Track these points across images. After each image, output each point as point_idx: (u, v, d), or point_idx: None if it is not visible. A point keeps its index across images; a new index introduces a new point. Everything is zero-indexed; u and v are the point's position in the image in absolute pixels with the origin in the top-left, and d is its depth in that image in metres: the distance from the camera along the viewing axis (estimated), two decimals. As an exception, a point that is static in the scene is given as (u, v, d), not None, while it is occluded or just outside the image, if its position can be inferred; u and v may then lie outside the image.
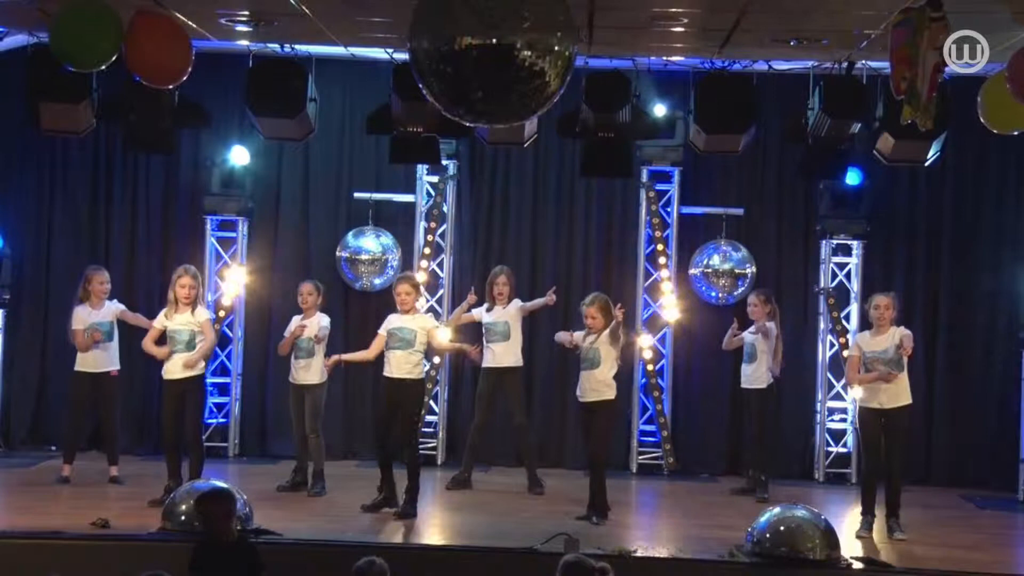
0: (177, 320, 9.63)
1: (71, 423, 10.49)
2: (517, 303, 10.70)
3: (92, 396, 10.39)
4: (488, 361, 10.58)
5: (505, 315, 10.60)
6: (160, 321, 9.74)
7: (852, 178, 11.38)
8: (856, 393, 9.85)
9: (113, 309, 10.39)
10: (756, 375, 10.57)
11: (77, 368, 10.32)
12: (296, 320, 10.29)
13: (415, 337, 9.47)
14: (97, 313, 10.29)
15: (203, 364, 9.78)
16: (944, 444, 11.74)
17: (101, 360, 10.29)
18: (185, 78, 8.98)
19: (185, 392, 9.59)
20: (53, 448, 11.39)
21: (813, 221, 11.90)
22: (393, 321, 9.57)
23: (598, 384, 9.32)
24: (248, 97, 10.40)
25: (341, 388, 11.71)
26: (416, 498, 9.32)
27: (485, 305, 10.71)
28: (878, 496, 9.30)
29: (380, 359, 9.66)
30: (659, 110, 11.23)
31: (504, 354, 10.56)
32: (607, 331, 9.27)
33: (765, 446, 10.77)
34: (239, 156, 11.75)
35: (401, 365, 9.42)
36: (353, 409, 11.91)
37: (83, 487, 10.07)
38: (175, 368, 9.57)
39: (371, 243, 11.73)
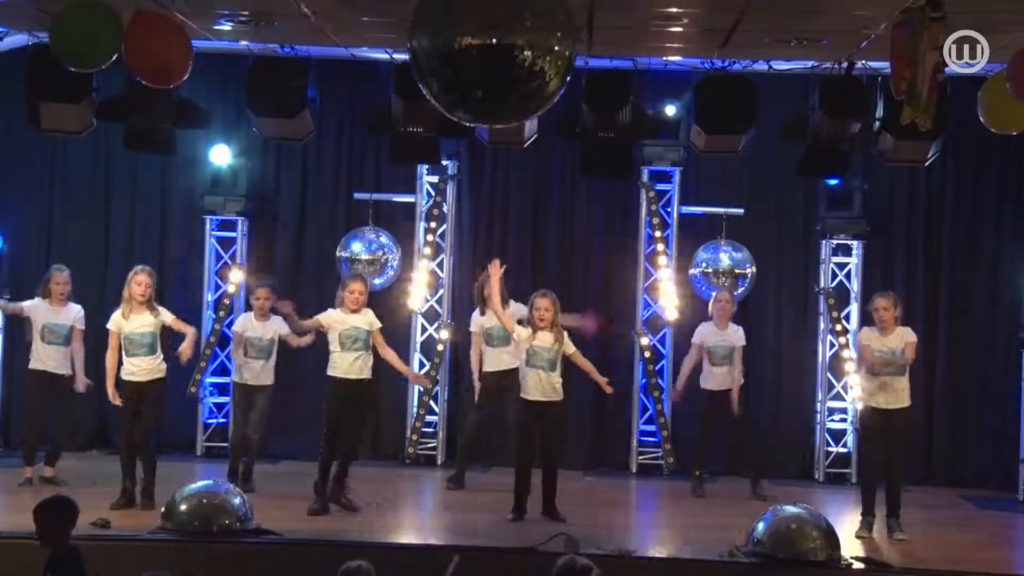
0: (135, 322, 9.37)
1: (31, 423, 10.35)
2: (514, 307, 10.63)
3: (50, 397, 10.23)
4: (490, 365, 10.57)
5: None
6: (115, 323, 9.42)
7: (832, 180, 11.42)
8: (855, 393, 9.85)
9: (75, 315, 10.21)
10: (733, 376, 10.60)
11: (33, 366, 10.18)
12: (245, 320, 10.32)
13: (369, 337, 9.40)
14: (55, 313, 10.15)
15: (165, 366, 9.57)
16: (944, 444, 11.74)
17: (59, 361, 10.16)
18: (185, 78, 9.00)
19: (146, 394, 9.40)
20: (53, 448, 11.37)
21: (813, 221, 11.90)
22: (346, 320, 9.36)
23: (555, 384, 9.30)
24: (248, 97, 10.41)
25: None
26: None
27: (478, 310, 10.68)
28: (878, 496, 9.31)
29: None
30: (664, 111, 11.25)
31: (506, 358, 10.47)
32: (560, 334, 9.25)
33: (753, 444, 10.89)
34: (220, 155, 11.76)
35: (362, 367, 9.33)
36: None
37: (83, 487, 10.04)
38: (137, 370, 9.35)
39: (359, 246, 11.69)
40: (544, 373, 9.28)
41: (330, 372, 9.39)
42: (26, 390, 10.58)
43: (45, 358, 10.17)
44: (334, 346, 9.38)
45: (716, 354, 10.65)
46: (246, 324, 10.30)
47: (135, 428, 9.49)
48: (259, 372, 10.18)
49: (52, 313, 10.15)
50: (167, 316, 9.57)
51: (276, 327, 10.21)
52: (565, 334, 9.38)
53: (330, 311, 9.49)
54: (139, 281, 9.40)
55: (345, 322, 9.38)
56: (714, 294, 10.99)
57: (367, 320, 9.43)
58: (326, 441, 9.39)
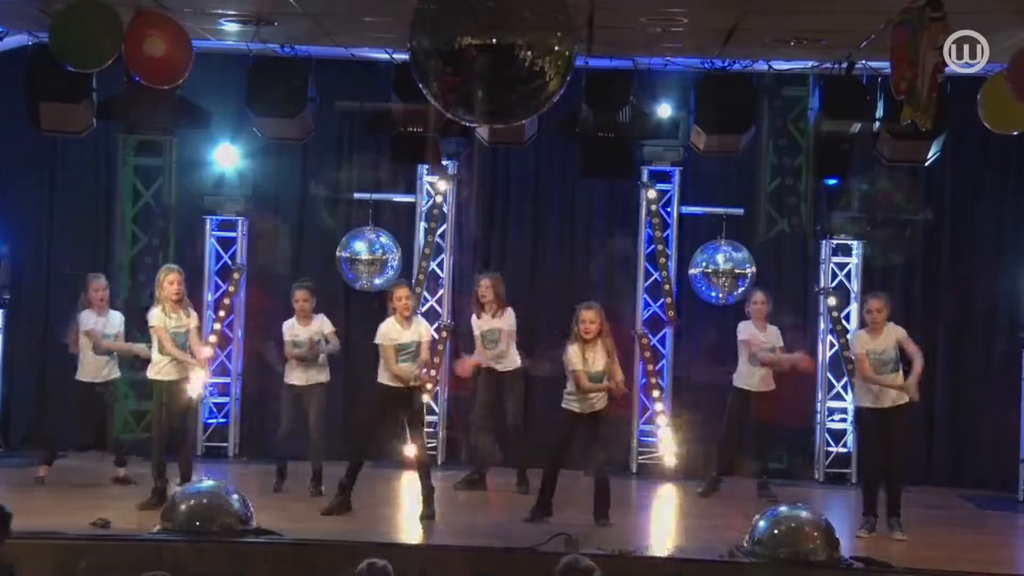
0: (175, 320, 9.42)
1: (53, 431, 10.45)
2: (511, 320, 10.60)
3: (91, 404, 10.28)
4: (487, 363, 10.56)
5: (499, 324, 10.50)
6: (160, 320, 9.41)
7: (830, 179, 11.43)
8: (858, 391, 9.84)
9: (119, 322, 10.28)
10: (769, 377, 10.55)
11: (81, 378, 10.20)
12: (290, 326, 10.16)
13: (418, 349, 9.37)
14: (104, 321, 10.17)
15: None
16: (944, 444, 11.74)
17: (108, 369, 10.23)
18: (185, 78, 9.01)
19: (179, 393, 9.47)
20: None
21: (813, 221, 11.90)
22: (400, 335, 9.32)
23: (604, 394, 9.21)
24: (248, 97, 10.42)
25: (342, 388, 11.65)
26: None
27: (475, 314, 10.67)
28: (879, 496, 9.30)
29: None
30: (663, 111, 11.25)
31: (501, 358, 10.49)
32: (611, 354, 9.11)
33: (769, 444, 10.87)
34: (226, 156, 11.75)
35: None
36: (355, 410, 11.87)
37: (84, 487, 10.07)
38: (166, 368, 9.39)
39: (359, 246, 11.68)
40: (595, 395, 9.19)
41: (380, 379, 9.36)
42: (70, 399, 10.50)
43: (92, 370, 10.17)
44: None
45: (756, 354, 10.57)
46: (292, 329, 10.17)
47: (177, 429, 9.56)
48: (308, 372, 10.09)
49: (100, 322, 10.15)
50: (194, 321, 9.62)
51: (319, 326, 10.14)
52: (614, 354, 9.19)
53: (383, 327, 9.39)
54: (171, 280, 9.42)
55: (398, 337, 9.30)
56: (751, 295, 10.86)
57: (418, 332, 9.38)
58: (360, 445, 9.42)
